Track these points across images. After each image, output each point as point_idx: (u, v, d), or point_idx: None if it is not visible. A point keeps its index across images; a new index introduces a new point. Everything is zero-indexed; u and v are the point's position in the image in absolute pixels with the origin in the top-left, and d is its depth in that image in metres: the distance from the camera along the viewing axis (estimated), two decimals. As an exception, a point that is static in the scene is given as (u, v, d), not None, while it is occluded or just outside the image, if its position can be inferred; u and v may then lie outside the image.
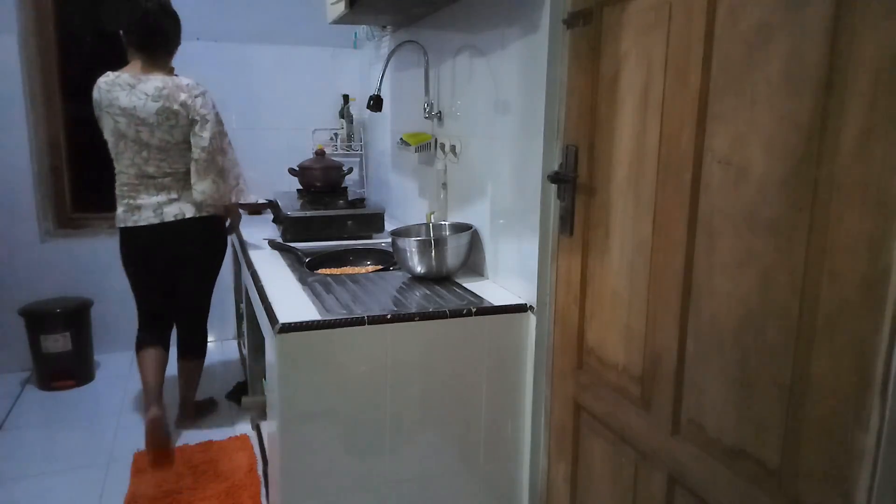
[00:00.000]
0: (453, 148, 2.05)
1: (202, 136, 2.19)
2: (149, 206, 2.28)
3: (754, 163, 0.98)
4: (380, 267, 2.08)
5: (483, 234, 1.88)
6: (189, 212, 2.29)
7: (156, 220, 2.27)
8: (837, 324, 0.87)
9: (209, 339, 2.64)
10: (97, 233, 3.26)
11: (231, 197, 2.30)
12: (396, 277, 1.88)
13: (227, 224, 2.51)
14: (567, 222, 1.48)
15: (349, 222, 2.44)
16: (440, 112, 2.17)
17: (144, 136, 2.21)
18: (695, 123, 1.09)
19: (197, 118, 2.19)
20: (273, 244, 2.25)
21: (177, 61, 3.17)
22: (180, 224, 2.29)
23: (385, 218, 2.52)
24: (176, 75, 2.25)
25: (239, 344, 3.11)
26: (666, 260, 1.19)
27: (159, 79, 2.19)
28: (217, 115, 2.23)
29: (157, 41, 2.23)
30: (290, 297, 1.66)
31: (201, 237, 2.37)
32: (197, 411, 2.63)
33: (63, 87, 3.16)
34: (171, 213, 2.28)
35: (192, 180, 2.21)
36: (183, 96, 2.17)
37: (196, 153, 2.20)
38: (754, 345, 1.00)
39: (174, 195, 2.29)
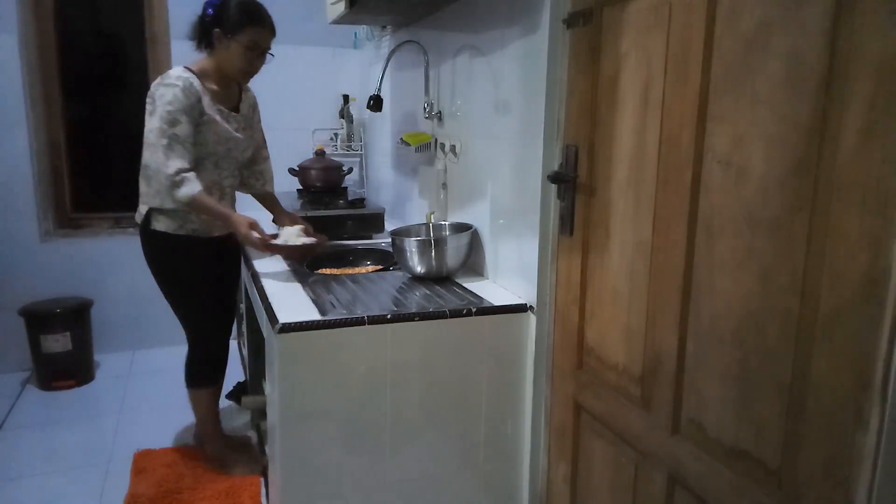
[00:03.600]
0: (453, 148, 2.05)
1: (146, 126, 1.93)
2: None
3: (754, 163, 0.98)
4: (380, 267, 2.08)
5: (483, 234, 1.88)
6: (137, 214, 2.09)
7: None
8: (837, 324, 0.87)
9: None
10: (97, 233, 3.26)
11: (155, 201, 1.95)
12: (396, 277, 1.88)
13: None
14: (567, 222, 1.48)
15: (349, 222, 2.44)
16: (440, 112, 2.17)
17: None
18: (695, 123, 1.09)
19: (149, 104, 1.94)
20: None
21: (178, 62, 3.18)
22: (139, 226, 2.09)
23: (385, 218, 2.52)
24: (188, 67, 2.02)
25: (239, 344, 3.11)
26: (666, 260, 1.19)
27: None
28: (168, 112, 1.88)
29: (194, 35, 2.08)
30: (290, 297, 1.66)
31: (145, 246, 2.11)
32: (210, 447, 2.31)
33: (63, 87, 3.16)
34: (139, 211, 2.09)
35: None
36: (158, 80, 1.96)
37: None
38: (754, 345, 1.00)
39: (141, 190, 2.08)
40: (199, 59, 2.05)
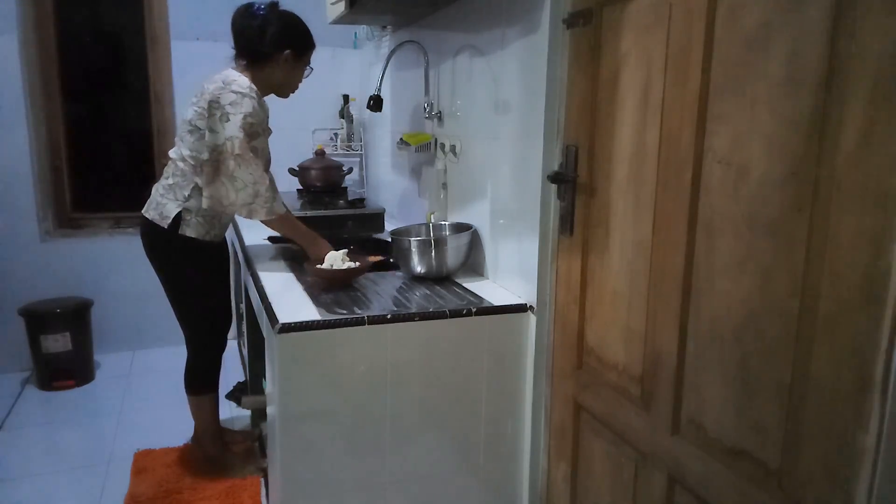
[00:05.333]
0: (453, 148, 2.05)
1: (217, 133, 1.83)
2: (151, 194, 2.06)
3: (754, 163, 0.98)
4: (380, 258, 2.04)
5: (483, 234, 1.88)
6: (154, 214, 1.99)
7: (144, 212, 2.05)
8: (837, 324, 0.87)
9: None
10: (97, 233, 3.26)
11: (242, 212, 1.88)
12: (396, 277, 1.88)
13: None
14: (567, 222, 1.48)
15: (349, 222, 2.44)
16: (440, 112, 2.17)
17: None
18: (695, 123, 1.09)
19: (217, 110, 1.84)
20: (274, 238, 2.23)
21: (178, 62, 3.19)
22: (143, 221, 2.03)
23: (385, 218, 2.52)
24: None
25: (239, 344, 3.11)
26: (666, 260, 1.19)
27: (232, 70, 1.96)
28: (249, 124, 1.85)
29: (238, 44, 2.00)
30: (290, 297, 1.66)
31: (166, 250, 2.04)
32: (211, 449, 2.29)
33: (63, 87, 3.16)
34: (149, 207, 2.02)
35: (203, 182, 1.91)
36: (219, 83, 1.88)
37: (206, 152, 1.88)
38: (754, 345, 1.00)
39: (160, 189, 2.01)
40: (239, 68, 1.96)
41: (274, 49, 1.95)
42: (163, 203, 1.98)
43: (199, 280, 2.10)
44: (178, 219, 1.95)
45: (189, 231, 1.98)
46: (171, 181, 1.98)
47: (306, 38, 2.03)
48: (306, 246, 2.00)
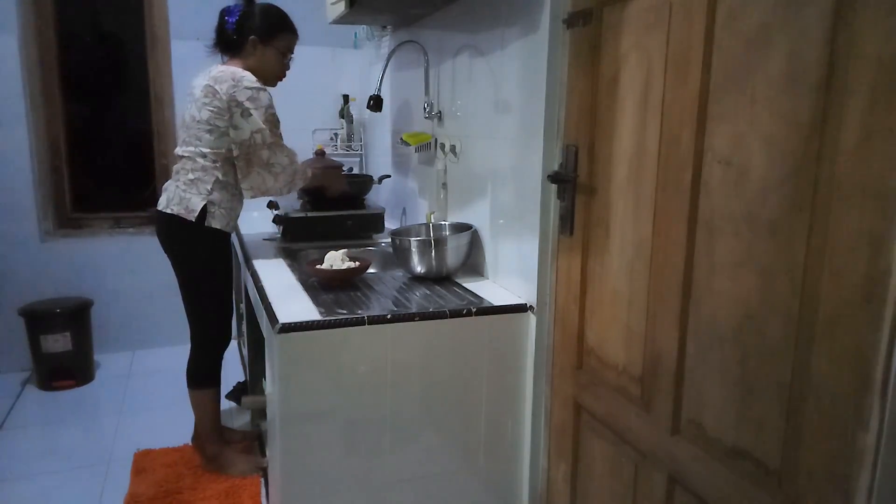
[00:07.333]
0: (453, 148, 2.05)
1: (241, 128, 1.94)
2: (163, 191, 2.11)
3: (754, 163, 0.98)
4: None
5: (483, 234, 1.88)
6: (179, 208, 2.01)
7: (158, 207, 2.09)
8: (837, 324, 0.87)
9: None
10: (97, 233, 3.26)
11: (284, 190, 2.07)
12: (396, 277, 1.88)
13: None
14: (567, 222, 1.48)
15: (349, 222, 2.44)
16: (440, 112, 2.17)
17: (187, 113, 2.06)
18: (695, 123, 1.09)
19: (237, 108, 1.93)
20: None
21: (178, 62, 3.19)
22: (162, 216, 2.06)
23: (385, 218, 2.52)
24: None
25: (239, 344, 3.11)
26: (666, 260, 1.19)
27: (226, 66, 2.03)
28: (272, 114, 1.99)
29: (218, 42, 2.13)
30: (290, 297, 1.66)
31: (174, 237, 2.08)
32: (211, 447, 2.26)
33: (63, 87, 3.16)
34: (163, 201, 2.07)
35: (239, 177, 2.02)
36: (230, 81, 1.94)
37: (235, 148, 1.98)
38: (754, 345, 1.00)
39: (174, 183, 2.06)
40: (227, 63, 2.05)
41: (239, 38, 2.05)
42: (187, 198, 2.01)
43: (218, 270, 2.14)
44: (203, 211, 2.00)
45: (215, 223, 2.03)
46: (191, 176, 2.01)
47: (270, 22, 2.08)
48: (326, 185, 2.32)
